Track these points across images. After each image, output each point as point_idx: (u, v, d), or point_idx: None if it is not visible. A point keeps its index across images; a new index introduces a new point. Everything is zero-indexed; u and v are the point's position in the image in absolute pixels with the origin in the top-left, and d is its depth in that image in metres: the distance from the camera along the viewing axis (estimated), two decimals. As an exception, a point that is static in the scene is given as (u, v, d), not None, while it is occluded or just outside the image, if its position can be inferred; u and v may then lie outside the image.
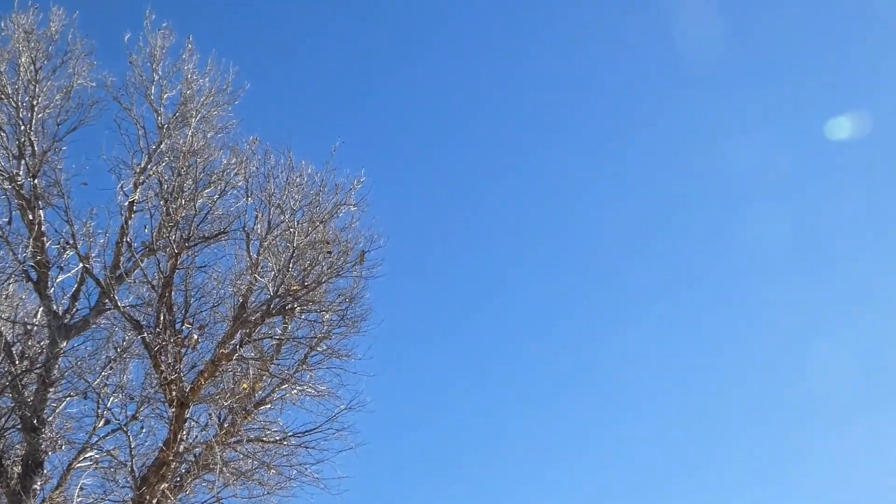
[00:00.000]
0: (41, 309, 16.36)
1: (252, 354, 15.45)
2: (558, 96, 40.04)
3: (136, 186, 16.35)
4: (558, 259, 40.70)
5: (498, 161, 40.70)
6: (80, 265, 15.96)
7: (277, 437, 15.51)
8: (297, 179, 16.08)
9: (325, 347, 15.79)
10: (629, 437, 36.60)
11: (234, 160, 16.45)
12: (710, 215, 40.40)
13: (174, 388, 14.51)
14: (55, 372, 15.34)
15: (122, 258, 16.04)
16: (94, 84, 17.47)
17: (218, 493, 15.01)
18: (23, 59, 16.86)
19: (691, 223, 40.40)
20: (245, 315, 15.07)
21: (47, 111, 16.96)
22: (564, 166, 40.52)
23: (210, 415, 15.31)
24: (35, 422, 14.71)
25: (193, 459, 14.93)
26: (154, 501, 14.30)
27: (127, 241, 16.00)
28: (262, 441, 15.51)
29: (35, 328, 16.33)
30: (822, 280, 39.43)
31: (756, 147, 36.23)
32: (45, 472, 14.77)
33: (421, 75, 39.66)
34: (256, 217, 15.80)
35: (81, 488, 14.92)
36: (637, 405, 37.75)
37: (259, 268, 15.49)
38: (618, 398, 38.35)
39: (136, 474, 14.71)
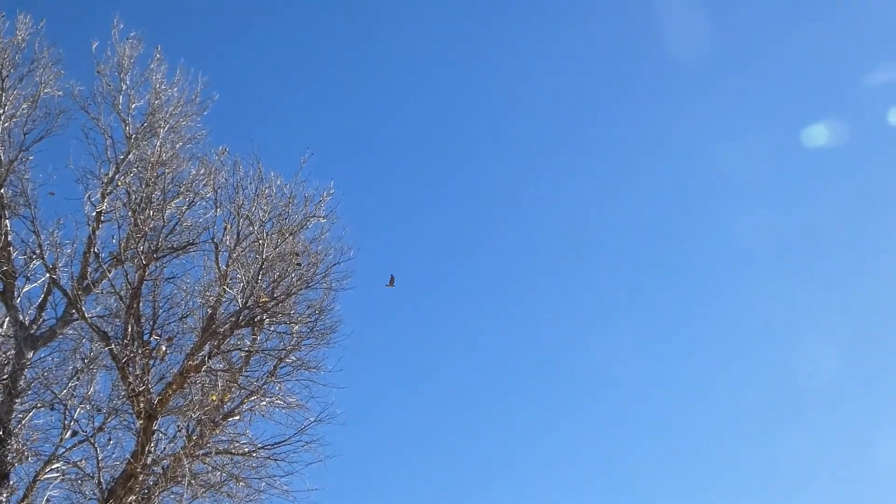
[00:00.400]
0: (7, 319, 16.40)
1: (221, 366, 15.50)
2: (539, 98, 40.87)
3: (103, 196, 16.48)
4: (541, 265, 41.34)
5: (474, 163, 41.28)
6: (47, 275, 16.09)
7: (246, 450, 15.54)
8: (267, 191, 16.23)
9: (294, 359, 15.94)
10: (613, 435, 37.56)
11: (202, 171, 16.63)
12: (694, 214, 41.49)
13: (142, 399, 14.54)
14: (21, 383, 15.41)
15: (89, 269, 16.18)
16: (61, 93, 17.68)
17: (186, 505, 15.03)
18: (-12, 68, 16.86)
19: (676, 222, 41.46)
20: (214, 326, 15.16)
21: (14, 120, 17.07)
22: (546, 167, 41.38)
23: (178, 426, 15.38)
24: (1, 433, 14.73)
25: (161, 471, 14.89)
26: (121, 514, 14.26)
27: (94, 252, 16.14)
28: (231, 453, 15.52)
29: (1, 338, 16.41)
30: (806, 279, 40.67)
31: (741, 148, 37.41)
32: (11, 483, 14.77)
33: (392, 85, 40.26)
34: (225, 228, 15.94)
35: (48, 500, 15.00)
36: (622, 403, 38.62)
37: (228, 279, 15.59)
38: (602, 396, 39.26)
39: (104, 486, 14.77)
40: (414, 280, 35.90)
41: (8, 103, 17.03)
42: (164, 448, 15.36)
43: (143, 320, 15.27)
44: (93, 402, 15.85)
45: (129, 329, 14.91)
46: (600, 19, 39.21)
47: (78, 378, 16.08)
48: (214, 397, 15.12)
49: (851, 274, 40.33)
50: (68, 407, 15.54)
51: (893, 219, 39.59)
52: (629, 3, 38.78)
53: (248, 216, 15.97)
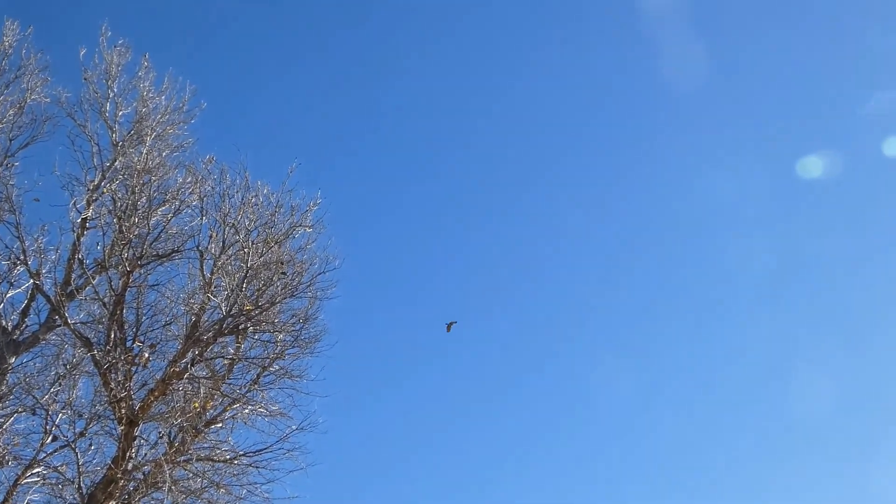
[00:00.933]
0: (-10, 324, 16.57)
1: (204, 373, 15.74)
2: (533, 125, 41.79)
3: (88, 203, 16.90)
4: (530, 288, 41.82)
5: (462, 175, 41.90)
6: (31, 281, 16.48)
7: (228, 457, 15.79)
8: (253, 199, 16.60)
9: (277, 368, 16.22)
10: (608, 467, 37.75)
11: (189, 179, 17.02)
12: (687, 245, 42.32)
13: (123, 405, 14.78)
14: (3, 387, 15.79)
15: (73, 275, 16.56)
16: (48, 100, 18.32)
17: (166, 511, 15.24)
18: (-26, 74, 17.24)
19: (668, 252, 42.22)
20: (197, 334, 15.45)
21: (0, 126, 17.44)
22: (537, 191, 42.25)
23: (160, 433, 15.62)
24: (-19, 437, 14.96)
25: (142, 477, 15.11)
26: (101, 519, 14.43)
27: (79, 258, 16.50)
28: (212, 460, 15.76)
29: (-17, 344, 16.52)
30: (800, 310, 41.39)
31: (736, 179, 38.52)
32: (-9, 487, 14.94)
33: (381, 95, 40.97)
34: (211, 236, 16.28)
35: (28, 504, 15.08)
36: (616, 433, 39.01)
37: (212, 287, 15.92)
38: (595, 427, 39.44)
39: (84, 491, 14.92)
40: (399, 291, 37.66)
41: (-6, 109, 17.29)
42: (146, 454, 15.54)
43: (126, 327, 15.54)
44: (74, 408, 15.97)
45: (112, 335, 15.19)
46: (595, 49, 40.58)
47: (60, 383, 16.28)
48: (197, 404, 15.29)
49: (846, 305, 41.14)
50: (50, 412, 15.68)
51: (888, 250, 40.23)
52: (625, 33, 40.05)
53: (233, 225, 16.31)
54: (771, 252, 39.64)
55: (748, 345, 41.00)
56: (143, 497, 15.30)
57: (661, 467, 37.25)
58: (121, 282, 15.67)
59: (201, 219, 16.47)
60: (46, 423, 15.69)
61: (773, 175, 39.70)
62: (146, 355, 15.44)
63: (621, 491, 36.16)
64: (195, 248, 16.35)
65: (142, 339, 15.70)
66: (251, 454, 15.78)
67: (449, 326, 18.37)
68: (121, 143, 17.85)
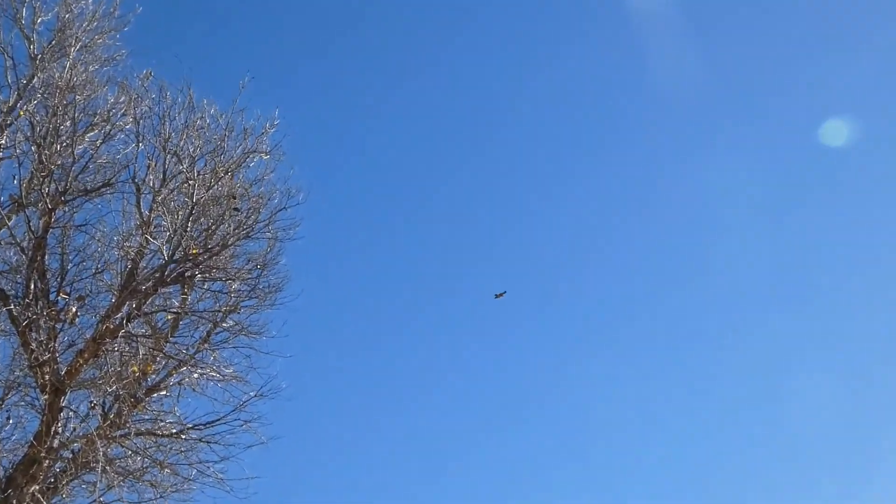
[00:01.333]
0: None
1: (143, 331, 15.28)
2: (528, 128, 40.48)
3: (2, 129, 15.94)
4: (522, 277, 40.44)
5: (440, 97, 40.23)
6: (-68, 222, 15.82)
7: (173, 430, 15.25)
8: (199, 122, 15.96)
9: (231, 323, 15.77)
10: (604, 474, 36.95)
11: (122, 98, 16.27)
12: (686, 242, 41.62)
13: (47, 370, 14.13)
14: None
15: (-16, 215, 15.88)
16: (-51, 5, 17.17)
17: (100, 496, 14.40)
18: None
19: (668, 250, 41.38)
20: (134, 284, 14.78)
21: None
22: (539, 187, 40.93)
23: (91, 403, 14.90)
24: None
25: (71, 456, 14.52)
26: (22, 507, 14.13)
27: (-10, 195, 15.82)
28: (155, 434, 15.22)
29: None
30: (803, 309, 40.98)
31: (733, 172, 37.64)
32: None
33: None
34: (149, 166, 15.63)
35: (-68, 491, 14.64)
36: (610, 437, 38.09)
37: (152, 227, 15.37)
38: (590, 431, 38.52)
39: (1, 475, 14.22)
40: (371, 230, 36.28)
41: None
42: (74, 428, 14.82)
43: (48, 276, 14.91)
44: (-13, 374, 15.48)
45: (32, 286, 14.55)
46: (586, 41, 39.39)
47: (-31, 345, 15.60)
48: (136, 368, 14.74)
49: (858, 298, 40.68)
50: (-42, 379, 15.04)
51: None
52: (615, 36, 38.81)
53: (175, 152, 15.71)
54: (779, 243, 39.45)
55: (748, 344, 40.46)
56: (73, 480, 14.83)
57: (656, 472, 36.73)
58: (41, 222, 14.94)
59: (137, 145, 15.76)
60: (-46, 394, 15.10)
61: (781, 153, 39.09)
62: (73, 310, 14.74)
63: (618, 496, 35.60)
64: (130, 181, 15.65)
65: (68, 290, 15.02)
66: (201, 427, 15.26)
67: (498, 296, 18.57)
68: (40, 56, 16.60)
